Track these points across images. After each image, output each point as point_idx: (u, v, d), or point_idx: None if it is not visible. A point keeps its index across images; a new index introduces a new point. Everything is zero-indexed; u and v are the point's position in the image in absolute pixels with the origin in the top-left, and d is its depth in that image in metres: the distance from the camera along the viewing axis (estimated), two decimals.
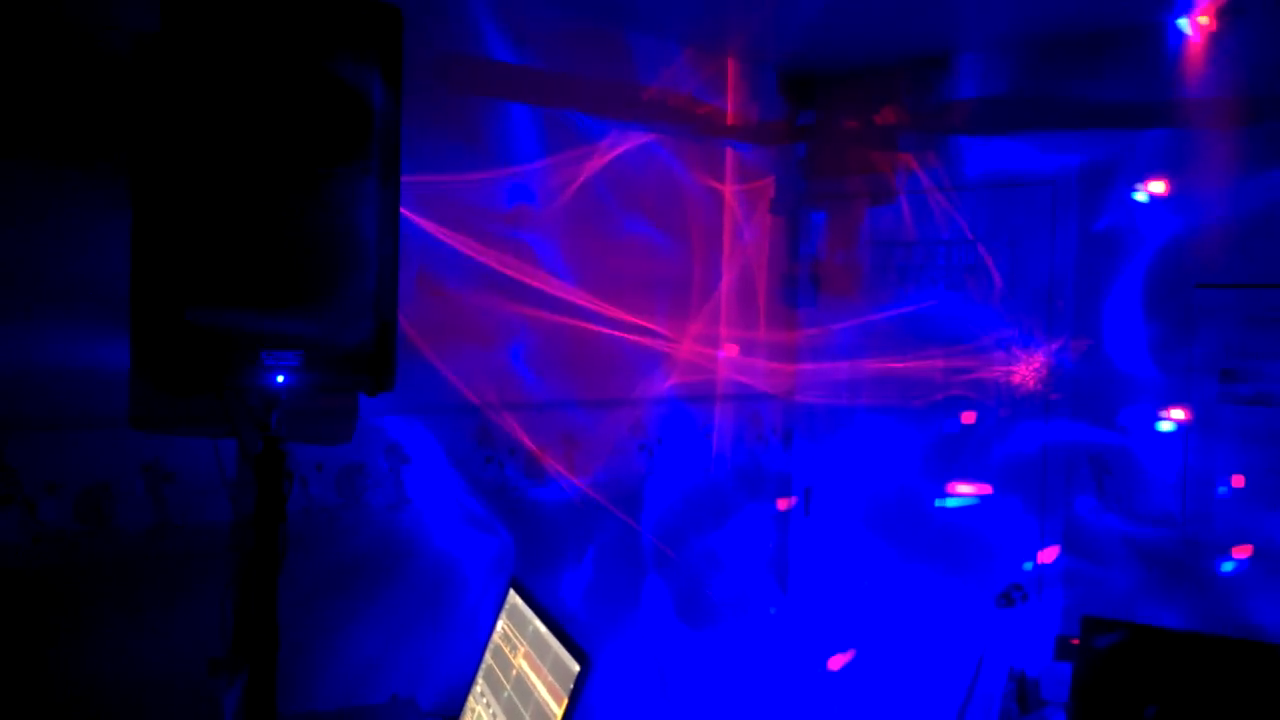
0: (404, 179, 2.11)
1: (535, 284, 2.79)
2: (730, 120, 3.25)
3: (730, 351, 3.31)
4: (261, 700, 2.18)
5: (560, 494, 2.89)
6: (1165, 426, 2.64)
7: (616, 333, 2.99)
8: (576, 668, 1.51)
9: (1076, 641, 2.61)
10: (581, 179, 2.89)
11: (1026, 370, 2.92)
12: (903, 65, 3.12)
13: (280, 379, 2.00)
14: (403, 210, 2.14)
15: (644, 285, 3.05)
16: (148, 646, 2.19)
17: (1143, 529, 2.69)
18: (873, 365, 3.29)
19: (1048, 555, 2.89)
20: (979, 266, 3.02)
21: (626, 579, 3.07)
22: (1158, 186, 2.64)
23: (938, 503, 3.09)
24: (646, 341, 3.07)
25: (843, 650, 3.36)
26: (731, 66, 3.23)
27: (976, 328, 3.02)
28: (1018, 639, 2.88)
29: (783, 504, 3.53)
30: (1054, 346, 2.85)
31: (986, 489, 3.01)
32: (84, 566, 2.12)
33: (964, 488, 3.04)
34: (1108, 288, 2.74)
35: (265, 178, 1.94)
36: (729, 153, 3.26)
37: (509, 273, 2.74)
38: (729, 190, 3.26)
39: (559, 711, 1.50)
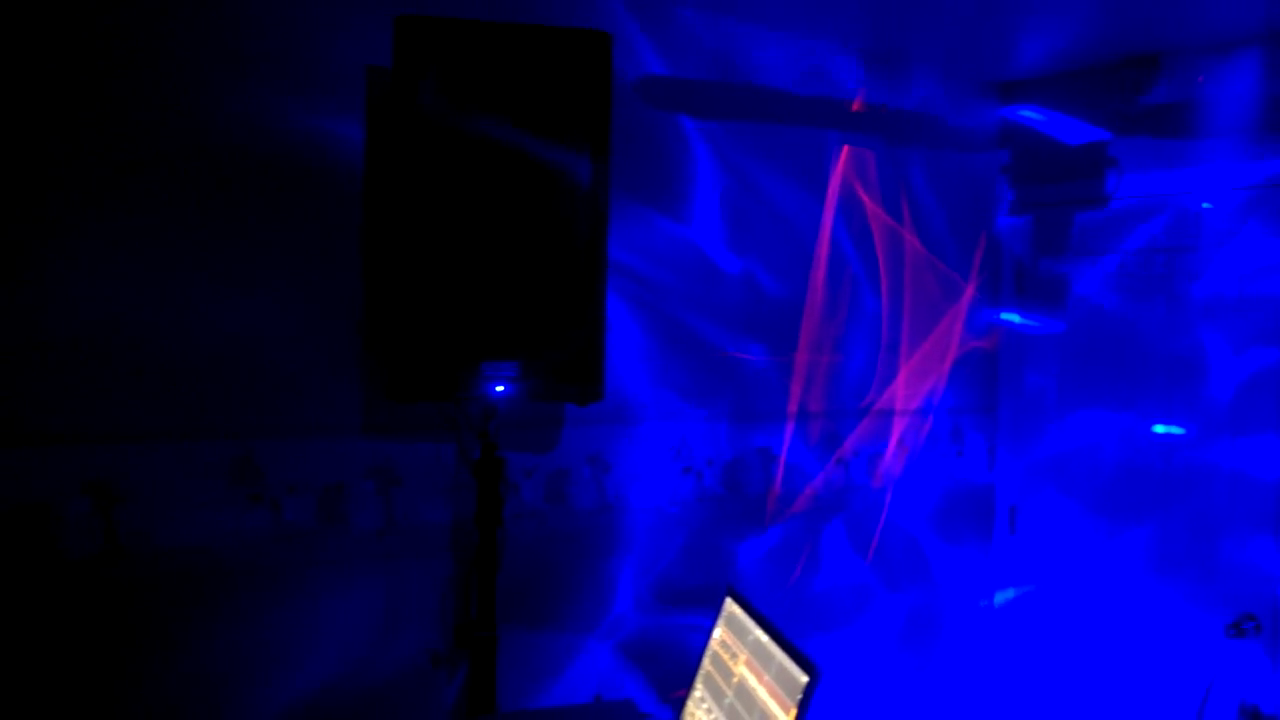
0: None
1: (733, 300, 2.83)
2: (931, 127, 3.18)
3: (928, 364, 3.23)
4: (482, 694, 2.30)
5: (758, 502, 2.90)
6: None
7: (808, 353, 2.98)
8: (805, 679, 1.52)
9: None
10: (776, 191, 2.90)
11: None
12: (1112, 66, 2.97)
13: (499, 389, 2.10)
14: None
15: (836, 297, 3.03)
16: (375, 638, 2.34)
17: None
18: (1083, 377, 3.14)
19: None
20: (1202, 274, 2.83)
21: (826, 591, 3.05)
22: None
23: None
24: (841, 358, 3.04)
25: (1055, 674, 3.21)
26: (933, 74, 3.16)
27: (1202, 338, 2.83)
28: (1251, 671, 2.67)
29: (991, 524, 3.41)
30: None
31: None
32: (322, 562, 2.29)
33: None
34: None
35: (487, 197, 2.05)
36: (929, 160, 3.19)
37: (710, 293, 2.79)
38: (927, 198, 3.19)
39: None
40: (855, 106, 3.01)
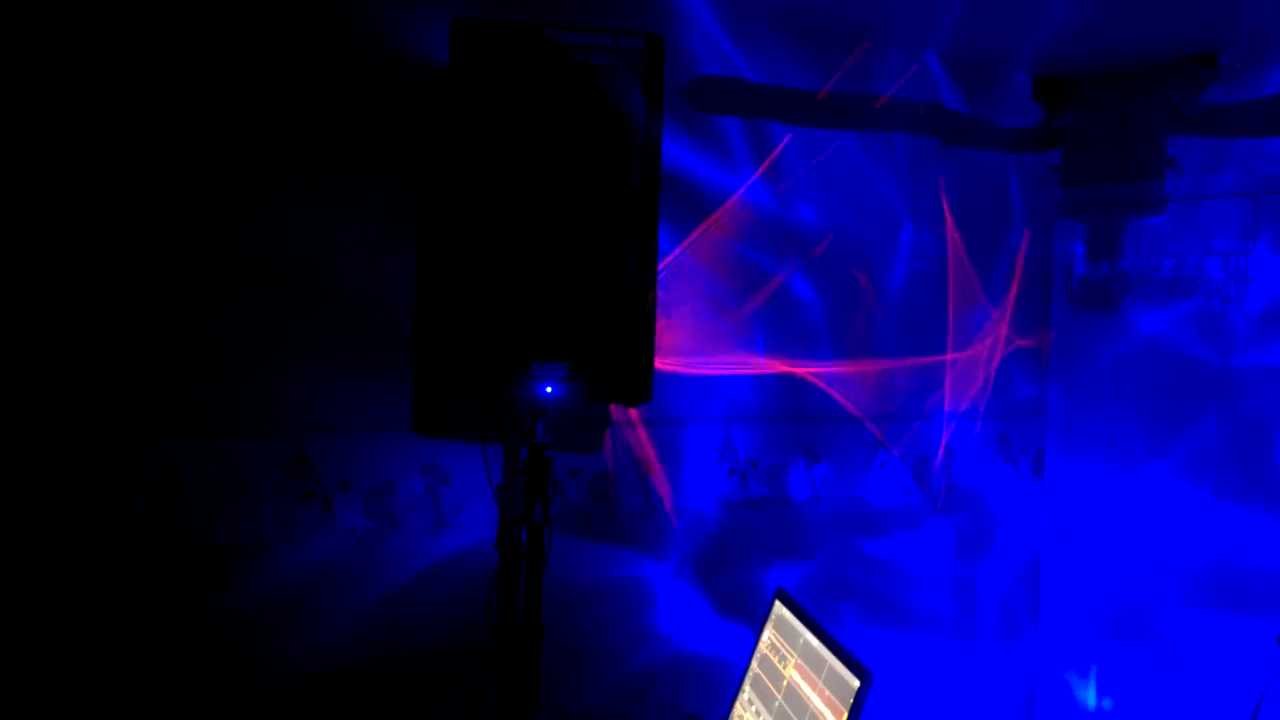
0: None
1: (777, 300, 2.83)
2: (980, 128, 3.15)
3: (975, 368, 3.20)
4: (525, 692, 2.31)
5: (802, 507, 2.90)
6: None
7: (853, 357, 2.96)
8: (856, 683, 1.51)
9: None
10: (824, 190, 2.89)
11: None
12: (1170, 64, 2.92)
13: (548, 389, 2.11)
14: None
15: (881, 300, 3.01)
16: (421, 633, 2.36)
17: None
18: (1138, 383, 3.09)
19: None
20: (1266, 278, 2.76)
21: (865, 595, 3.03)
22: None
23: None
24: (886, 361, 3.03)
25: (1103, 689, 3.17)
26: (981, 72, 3.13)
27: (1272, 343, 2.76)
28: None
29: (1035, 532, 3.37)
30: None
31: None
32: (372, 558, 2.32)
33: None
34: None
35: (536, 199, 2.06)
36: (977, 160, 3.16)
37: (755, 299, 2.79)
38: (974, 197, 3.16)
39: None
40: (879, 102, 2.97)
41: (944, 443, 3.15)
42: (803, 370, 2.86)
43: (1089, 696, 3.20)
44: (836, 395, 2.93)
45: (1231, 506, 2.82)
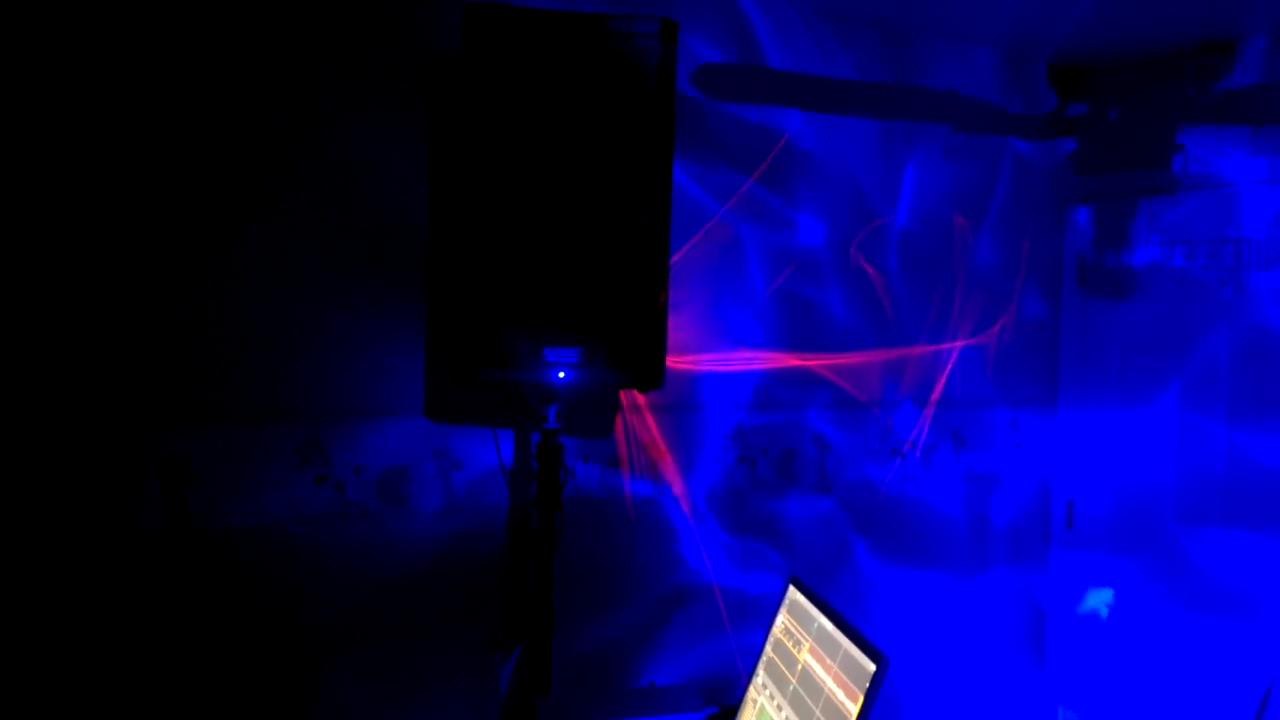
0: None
1: (785, 291, 2.83)
2: (993, 114, 3.14)
3: (984, 355, 3.20)
4: (537, 675, 2.32)
5: (812, 495, 2.90)
6: None
7: (863, 344, 2.96)
8: (872, 667, 1.52)
9: None
10: (832, 179, 2.88)
11: None
12: (1184, 52, 2.91)
13: (561, 375, 2.11)
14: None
15: (889, 287, 3.01)
16: (432, 618, 2.37)
17: None
18: (1149, 371, 3.09)
19: None
20: (1272, 266, 2.76)
21: (878, 590, 3.04)
22: None
23: None
24: (895, 349, 3.03)
25: (1117, 680, 3.18)
26: (995, 59, 3.12)
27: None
28: None
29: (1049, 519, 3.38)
30: None
31: None
32: (384, 541, 2.32)
33: None
34: None
35: (550, 185, 2.06)
36: (989, 146, 3.15)
37: (765, 291, 2.79)
38: (988, 187, 3.16)
39: (854, 709, 1.51)
40: (886, 89, 2.96)
41: (953, 429, 3.15)
42: (814, 361, 2.87)
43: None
44: (845, 385, 2.93)
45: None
